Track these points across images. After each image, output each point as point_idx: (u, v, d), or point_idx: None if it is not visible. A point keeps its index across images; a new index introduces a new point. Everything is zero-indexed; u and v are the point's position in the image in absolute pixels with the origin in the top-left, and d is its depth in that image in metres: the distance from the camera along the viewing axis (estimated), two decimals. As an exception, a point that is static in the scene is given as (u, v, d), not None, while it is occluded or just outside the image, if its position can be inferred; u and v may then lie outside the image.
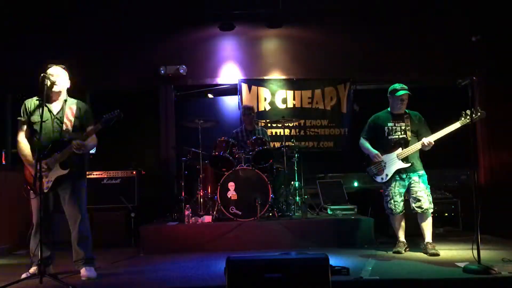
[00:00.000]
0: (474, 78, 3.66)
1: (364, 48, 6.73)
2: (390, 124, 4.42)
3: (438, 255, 4.11)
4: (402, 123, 4.39)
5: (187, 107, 6.94)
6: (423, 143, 4.18)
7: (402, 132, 4.36)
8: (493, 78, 6.38)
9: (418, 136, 4.34)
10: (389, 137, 4.39)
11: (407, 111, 4.46)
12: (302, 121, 6.72)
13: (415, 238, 4.55)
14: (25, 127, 3.68)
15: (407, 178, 4.33)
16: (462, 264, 3.52)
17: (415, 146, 4.26)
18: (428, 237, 4.29)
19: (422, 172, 4.35)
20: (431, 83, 6.81)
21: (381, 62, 6.71)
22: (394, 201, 4.34)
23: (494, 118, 6.28)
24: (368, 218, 5.03)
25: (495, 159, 6.53)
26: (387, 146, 4.38)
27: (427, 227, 4.30)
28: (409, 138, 4.33)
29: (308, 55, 6.87)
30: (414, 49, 6.70)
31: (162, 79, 6.70)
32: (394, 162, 4.31)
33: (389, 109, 4.52)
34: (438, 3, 6.61)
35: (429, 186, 4.33)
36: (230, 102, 7.07)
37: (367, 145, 4.49)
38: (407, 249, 4.38)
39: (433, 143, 4.18)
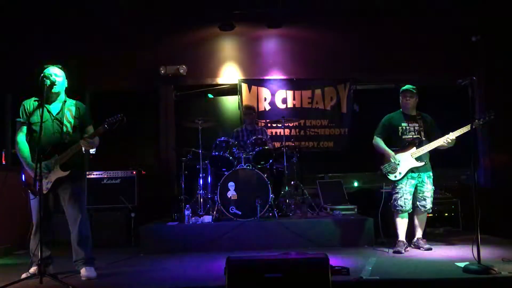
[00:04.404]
0: (474, 78, 3.67)
1: (364, 48, 6.73)
2: (404, 124, 4.51)
3: (431, 249, 4.31)
4: (415, 124, 4.49)
5: (187, 107, 6.94)
6: (448, 138, 4.21)
7: (416, 133, 4.47)
8: (493, 78, 6.37)
9: (430, 137, 4.42)
10: (403, 137, 4.48)
11: (419, 112, 4.55)
12: (302, 121, 6.71)
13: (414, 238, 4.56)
14: (24, 128, 3.66)
15: (417, 177, 4.43)
16: (462, 264, 3.52)
17: (433, 144, 4.32)
18: (419, 234, 4.48)
19: (431, 173, 4.47)
20: (431, 83, 6.80)
21: (381, 62, 6.71)
22: (404, 199, 4.40)
23: (494, 118, 6.28)
24: (368, 218, 5.03)
25: (495, 159, 6.54)
26: (400, 145, 4.46)
27: (422, 224, 4.50)
28: (423, 138, 4.42)
29: (308, 55, 6.87)
30: (414, 49, 6.71)
31: (162, 79, 6.71)
32: (407, 160, 4.38)
33: (401, 109, 4.62)
34: (438, 3, 6.61)
35: (434, 188, 4.47)
36: (230, 102, 7.06)
37: (382, 144, 4.54)
38: (407, 249, 4.40)
39: (455, 138, 4.22)
